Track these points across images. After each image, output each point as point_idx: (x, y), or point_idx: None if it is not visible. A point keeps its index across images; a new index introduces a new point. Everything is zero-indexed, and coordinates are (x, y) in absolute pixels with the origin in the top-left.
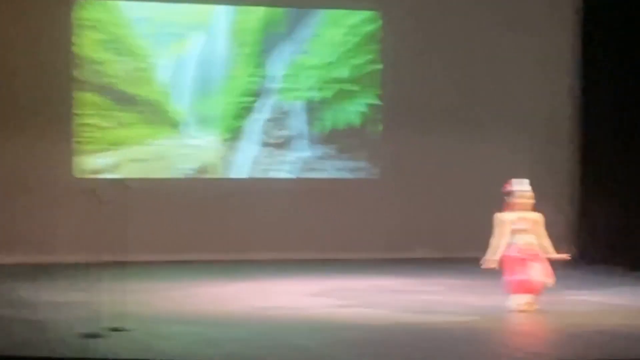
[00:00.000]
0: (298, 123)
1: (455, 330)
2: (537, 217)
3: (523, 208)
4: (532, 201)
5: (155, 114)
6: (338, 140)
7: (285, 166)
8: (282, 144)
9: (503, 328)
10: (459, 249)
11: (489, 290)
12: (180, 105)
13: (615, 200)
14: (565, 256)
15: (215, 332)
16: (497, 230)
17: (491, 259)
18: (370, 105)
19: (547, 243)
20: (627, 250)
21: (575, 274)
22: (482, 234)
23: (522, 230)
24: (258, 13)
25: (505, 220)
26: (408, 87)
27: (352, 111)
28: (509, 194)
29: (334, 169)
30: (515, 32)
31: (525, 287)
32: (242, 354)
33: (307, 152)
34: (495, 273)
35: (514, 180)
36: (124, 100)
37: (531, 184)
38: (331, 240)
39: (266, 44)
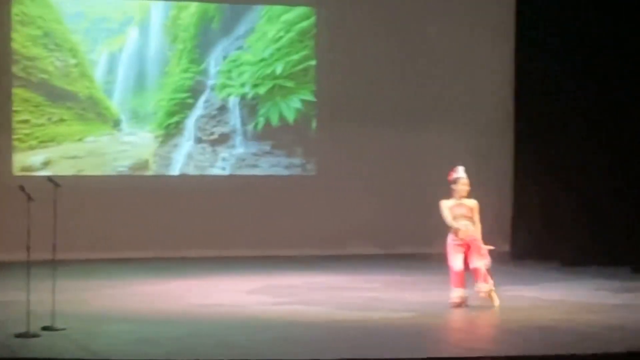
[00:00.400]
0: (232, 119)
1: (393, 326)
2: (474, 204)
3: (461, 195)
4: (468, 188)
5: (89, 111)
6: (273, 136)
7: (220, 163)
8: (217, 141)
9: (441, 324)
10: (395, 245)
11: (427, 286)
12: (115, 102)
13: (549, 197)
14: (490, 247)
15: (153, 330)
16: (445, 214)
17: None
18: (305, 102)
19: (478, 231)
20: (561, 246)
21: (510, 269)
22: (418, 230)
23: (459, 216)
24: (191, 9)
25: (444, 207)
26: (343, 83)
27: (287, 107)
28: (454, 181)
29: (268, 165)
30: (452, 26)
31: (453, 280)
32: (179, 353)
33: (241, 149)
34: (432, 268)
35: (458, 168)
36: (58, 96)
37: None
38: (267, 237)
39: (200, 40)
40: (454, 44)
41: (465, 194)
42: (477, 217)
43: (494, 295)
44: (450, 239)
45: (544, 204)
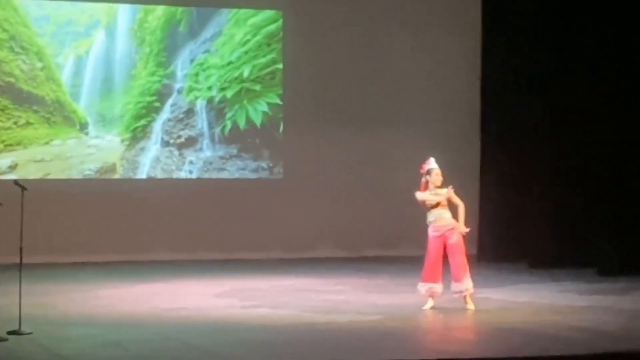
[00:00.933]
0: (199, 123)
1: (361, 329)
2: (448, 191)
3: (436, 185)
4: (441, 178)
5: (56, 114)
6: (240, 140)
7: (187, 166)
8: (184, 144)
9: (408, 326)
10: (362, 248)
11: (394, 289)
12: (81, 105)
13: (516, 199)
14: (466, 229)
15: (120, 334)
16: (424, 197)
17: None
18: (272, 105)
19: (461, 212)
20: (528, 248)
21: (477, 271)
22: (385, 233)
23: (436, 205)
24: (158, 12)
25: (419, 197)
26: (309, 86)
27: (254, 111)
28: (428, 172)
29: (235, 169)
30: (418, 29)
31: (427, 272)
32: (146, 356)
33: (208, 152)
34: (399, 271)
35: (430, 160)
36: (24, 99)
37: None
38: (234, 240)
39: (167, 43)
40: (420, 46)
41: (439, 183)
42: (456, 199)
43: (469, 298)
44: (430, 230)
45: (511, 207)
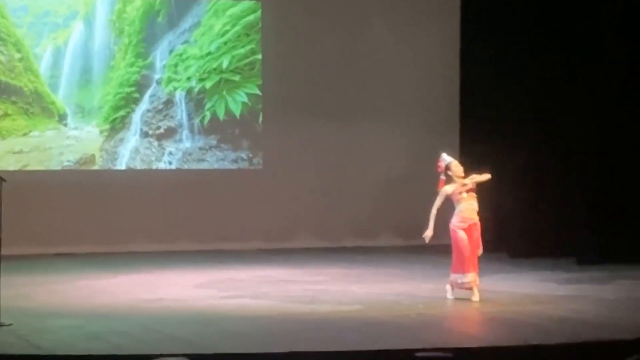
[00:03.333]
0: (179, 113)
1: (341, 319)
2: (472, 178)
3: (459, 176)
4: (462, 167)
5: (34, 105)
6: (219, 130)
7: (166, 157)
8: (163, 135)
9: (388, 316)
10: (342, 238)
11: (373, 279)
12: (60, 96)
13: (495, 190)
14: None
15: (99, 325)
16: (450, 190)
17: (427, 233)
18: (251, 95)
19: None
20: (507, 238)
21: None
22: (365, 223)
23: (468, 195)
24: (137, 3)
25: (448, 192)
26: (288, 76)
27: (233, 101)
28: (447, 168)
29: (215, 159)
30: (398, 21)
31: (467, 264)
32: (127, 347)
33: (188, 143)
34: (379, 261)
35: (444, 155)
36: (2, 90)
37: (414, 172)
38: (214, 231)
39: (146, 33)
40: (399, 38)
41: (462, 173)
42: (484, 177)
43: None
44: (455, 220)
45: (490, 197)
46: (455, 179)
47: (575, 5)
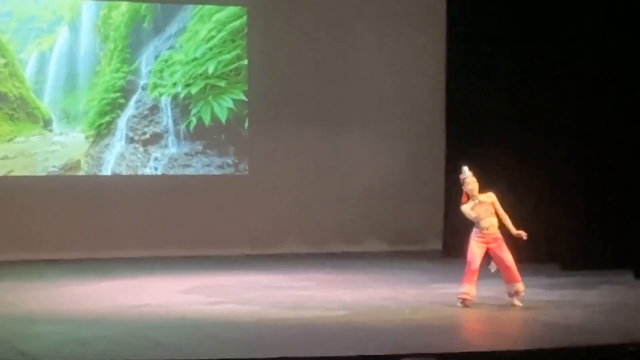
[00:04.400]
0: (164, 119)
1: (327, 325)
2: (491, 197)
3: (474, 194)
4: (477, 184)
5: (19, 111)
6: (205, 136)
7: (152, 163)
8: (148, 141)
9: (373, 322)
10: (327, 244)
11: (359, 285)
12: (45, 102)
13: None
14: (523, 234)
15: (85, 331)
16: (471, 215)
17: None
18: (237, 101)
19: (506, 218)
20: None
21: (442, 267)
22: (351, 228)
23: (483, 214)
24: (122, 8)
25: (466, 210)
26: (274, 82)
27: (219, 107)
28: (462, 183)
29: (201, 165)
30: (383, 28)
31: (467, 276)
32: (112, 353)
33: (173, 149)
34: (364, 267)
35: (463, 168)
36: None
37: (400, 178)
38: (200, 237)
39: (132, 39)
40: (385, 44)
41: (476, 192)
42: (499, 208)
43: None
44: (474, 233)
45: None
46: (471, 196)
47: (559, 11)
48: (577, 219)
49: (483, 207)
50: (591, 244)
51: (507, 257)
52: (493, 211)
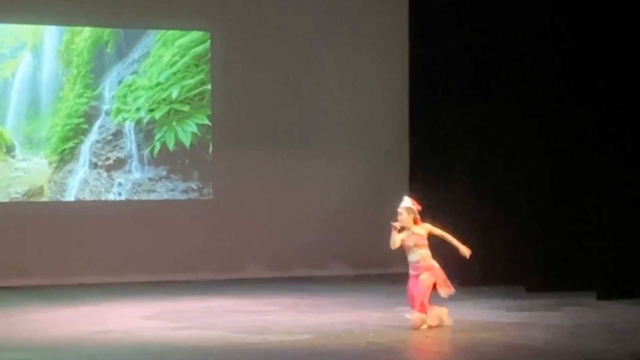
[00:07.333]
0: (128, 144)
1: (290, 349)
2: (425, 227)
3: (407, 224)
4: (412, 216)
5: None
6: (169, 161)
7: (116, 188)
8: (112, 166)
9: (338, 345)
10: (291, 268)
11: (322, 309)
12: (8, 128)
13: (444, 218)
14: (467, 251)
15: (48, 358)
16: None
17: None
18: (201, 126)
19: (450, 239)
20: (456, 266)
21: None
22: (315, 252)
23: (413, 246)
24: (85, 34)
25: (393, 237)
26: (238, 107)
27: (183, 132)
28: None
29: (165, 190)
30: (345, 51)
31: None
32: None
33: (137, 174)
34: (328, 291)
35: (404, 198)
36: None
37: (363, 202)
38: (163, 262)
39: (95, 64)
40: (348, 69)
41: (406, 224)
42: (440, 232)
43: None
44: (410, 268)
45: (439, 225)
46: (406, 227)
47: (524, 28)
48: (541, 242)
49: (412, 239)
50: (555, 267)
51: (419, 286)
52: (425, 243)
